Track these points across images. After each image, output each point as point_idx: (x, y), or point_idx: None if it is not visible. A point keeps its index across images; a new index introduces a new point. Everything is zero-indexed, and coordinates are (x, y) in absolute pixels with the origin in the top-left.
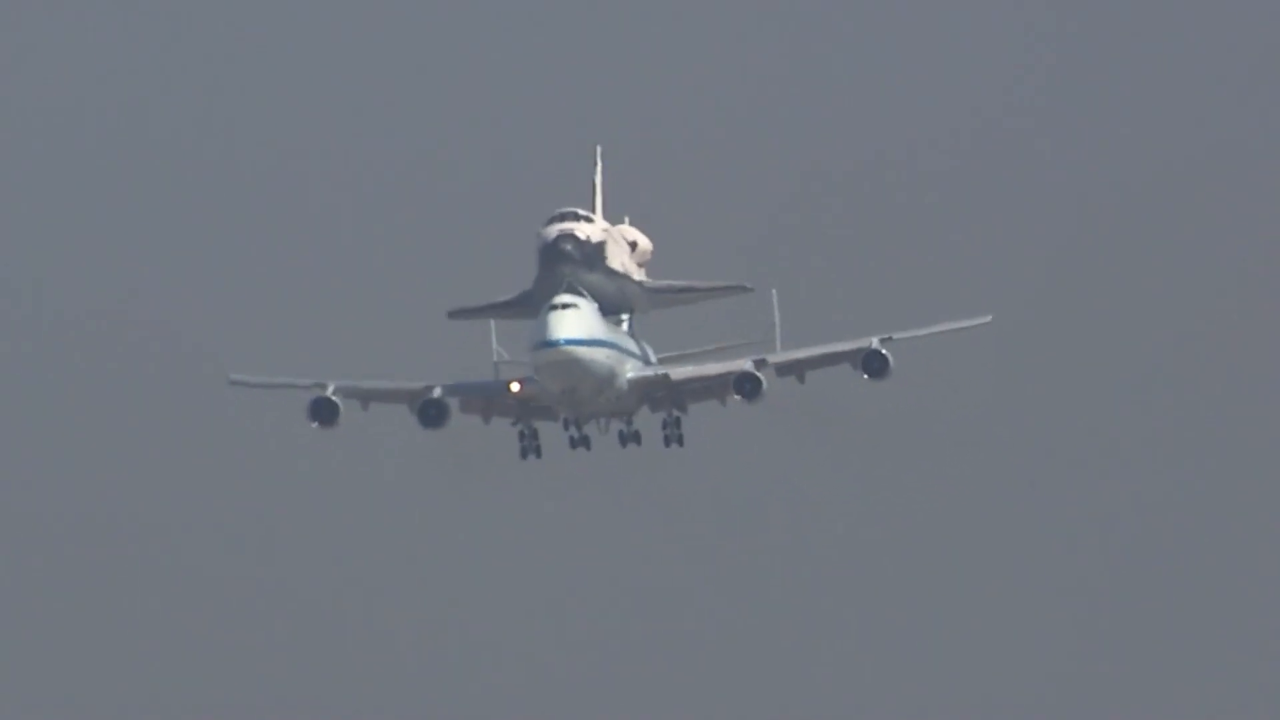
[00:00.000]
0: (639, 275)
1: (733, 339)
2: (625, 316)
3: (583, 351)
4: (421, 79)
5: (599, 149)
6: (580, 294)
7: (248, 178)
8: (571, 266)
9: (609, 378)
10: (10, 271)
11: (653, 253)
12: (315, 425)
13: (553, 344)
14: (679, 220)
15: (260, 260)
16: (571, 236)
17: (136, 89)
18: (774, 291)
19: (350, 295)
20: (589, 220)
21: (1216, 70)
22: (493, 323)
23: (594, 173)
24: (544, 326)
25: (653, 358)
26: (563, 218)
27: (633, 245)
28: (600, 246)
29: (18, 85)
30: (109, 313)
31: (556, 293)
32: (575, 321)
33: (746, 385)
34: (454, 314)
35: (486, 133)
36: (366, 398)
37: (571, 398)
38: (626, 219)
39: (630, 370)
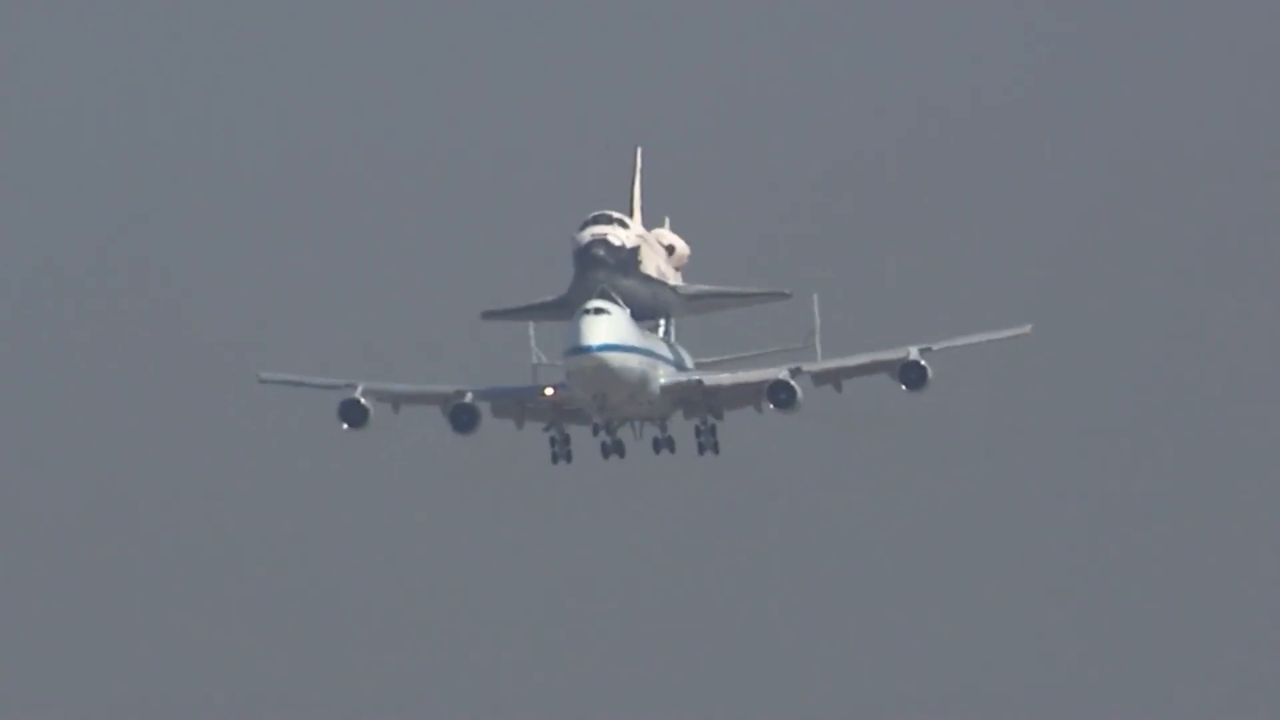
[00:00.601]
0: (675, 280)
1: (773, 344)
2: (663, 321)
3: (614, 358)
4: (464, 79)
5: (639, 150)
6: (613, 299)
7: (288, 178)
8: (605, 271)
9: (641, 384)
10: (45, 268)
11: (690, 257)
12: (345, 427)
13: (584, 350)
14: (721, 222)
15: (298, 259)
16: (605, 242)
17: (179, 87)
18: (815, 297)
19: (391, 296)
20: (624, 225)
21: (1248, 75)
22: (531, 325)
23: (634, 174)
24: (575, 332)
25: (689, 363)
26: (597, 221)
27: (669, 249)
28: (634, 251)
29: (49, 80)
30: (144, 308)
31: (590, 297)
32: (607, 328)
33: (781, 394)
34: (488, 315)
35: (528, 133)
36: (397, 400)
37: (603, 403)
38: (667, 220)
39: (663, 376)
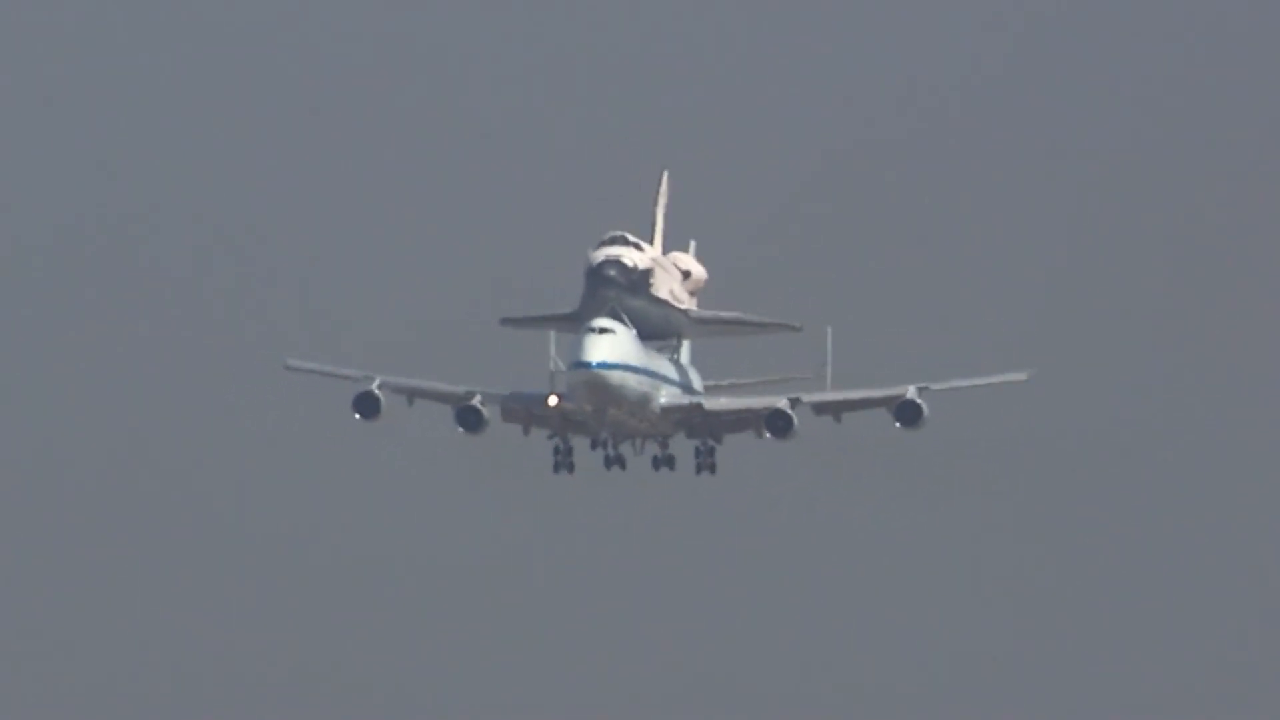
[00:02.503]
0: (689, 303)
1: (786, 372)
2: (678, 343)
3: (613, 375)
4: (507, 96)
5: (665, 174)
6: (621, 319)
7: (337, 185)
8: (616, 291)
9: (641, 402)
10: (86, 254)
11: (706, 281)
12: (358, 417)
13: (584, 365)
14: (747, 250)
15: (342, 264)
16: (617, 262)
17: (228, 85)
18: (829, 330)
19: (427, 298)
20: (638, 247)
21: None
22: (552, 335)
23: (658, 197)
24: (579, 348)
25: (699, 385)
26: (612, 242)
27: (685, 274)
28: (646, 274)
29: (73, 68)
30: (200, 287)
31: (600, 314)
32: (609, 346)
33: (778, 423)
34: (506, 322)
35: (569, 146)
36: (412, 395)
37: (602, 417)
38: (692, 245)
39: (665, 397)
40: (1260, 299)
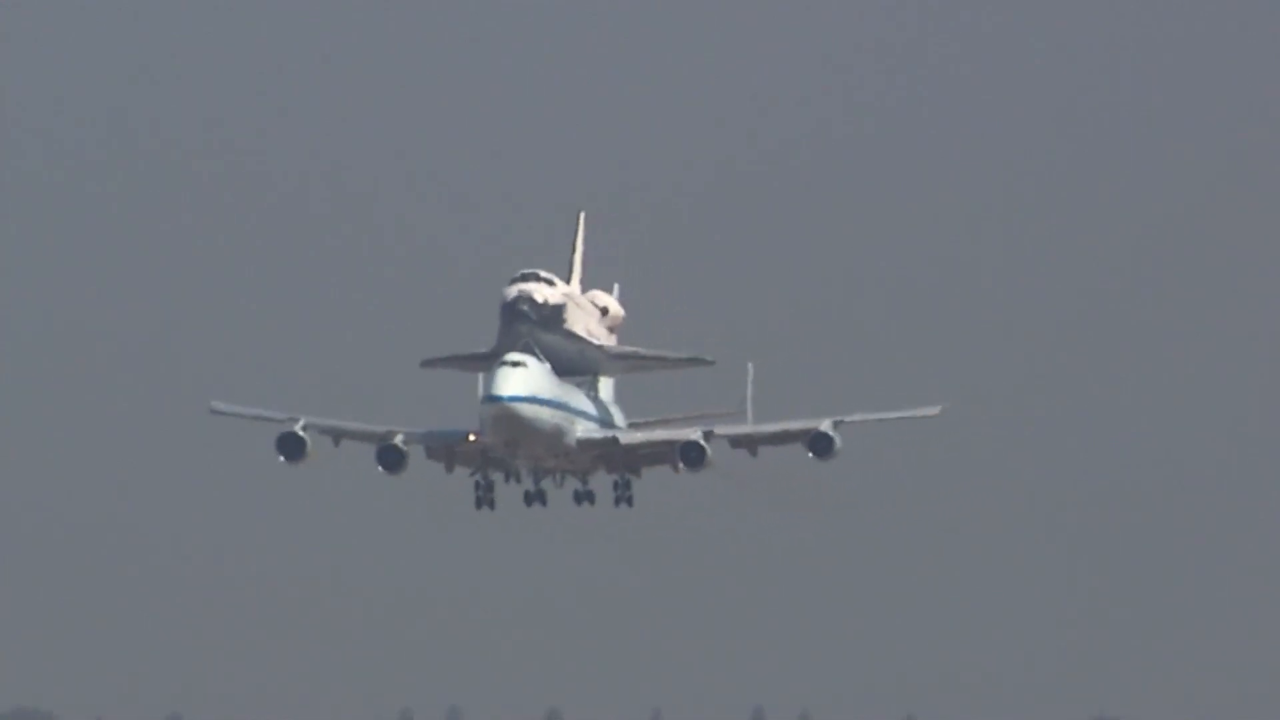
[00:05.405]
0: (606, 340)
1: (708, 409)
2: (595, 379)
3: (524, 408)
4: (429, 136)
5: (581, 215)
6: (534, 353)
7: (268, 233)
8: (528, 326)
9: (554, 435)
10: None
11: (624, 319)
12: (281, 459)
13: (495, 399)
14: (666, 290)
15: (281, 305)
16: (529, 298)
17: (165, 128)
18: (750, 365)
19: (355, 341)
20: (550, 283)
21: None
22: (481, 375)
23: (575, 237)
24: (490, 382)
25: (620, 421)
26: (525, 279)
27: (603, 311)
28: (559, 309)
29: (32, 105)
30: (124, 331)
31: (514, 350)
32: (520, 379)
33: (692, 454)
34: (426, 363)
35: (496, 191)
36: (337, 435)
37: (515, 451)
38: (616, 286)
39: (581, 431)
40: (1172, 334)
